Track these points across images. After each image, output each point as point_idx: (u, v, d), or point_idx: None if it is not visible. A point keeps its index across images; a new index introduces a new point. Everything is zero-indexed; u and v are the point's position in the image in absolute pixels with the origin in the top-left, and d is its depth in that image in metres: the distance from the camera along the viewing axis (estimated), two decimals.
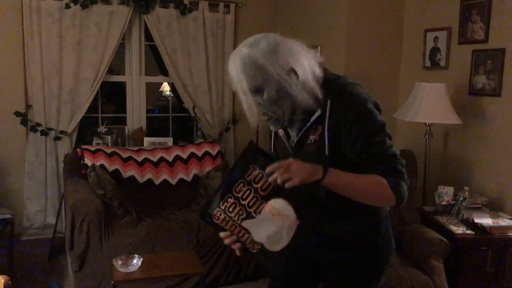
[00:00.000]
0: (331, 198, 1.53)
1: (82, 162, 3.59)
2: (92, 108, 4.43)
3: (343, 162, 1.54)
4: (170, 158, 3.90)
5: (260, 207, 1.47)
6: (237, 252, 1.58)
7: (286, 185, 1.42)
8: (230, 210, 1.50)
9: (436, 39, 3.70)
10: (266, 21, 5.00)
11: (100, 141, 4.22)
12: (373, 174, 1.51)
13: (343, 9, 3.94)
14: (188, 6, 4.50)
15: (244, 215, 1.49)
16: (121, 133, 4.52)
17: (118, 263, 2.60)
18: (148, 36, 4.55)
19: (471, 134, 3.42)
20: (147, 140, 4.38)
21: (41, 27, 4.08)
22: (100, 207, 3.15)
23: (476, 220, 2.89)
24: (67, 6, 4.11)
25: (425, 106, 3.22)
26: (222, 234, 1.59)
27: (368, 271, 1.72)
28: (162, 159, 3.87)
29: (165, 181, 3.81)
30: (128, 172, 3.68)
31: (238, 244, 1.57)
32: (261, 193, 1.47)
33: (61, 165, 4.16)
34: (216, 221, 1.54)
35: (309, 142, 1.60)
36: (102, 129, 4.29)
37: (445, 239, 2.71)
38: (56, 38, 4.12)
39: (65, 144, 4.27)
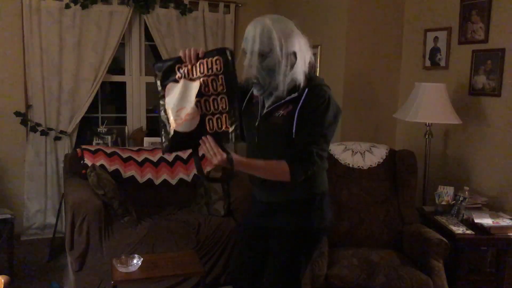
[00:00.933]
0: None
1: (82, 162, 3.59)
2: (92, 108, 4.43)
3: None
4: (170, 158, 3.90)
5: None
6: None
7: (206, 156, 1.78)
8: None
9: (436, 39, 3.70)
10: None
11: (100, 141, 4.22)
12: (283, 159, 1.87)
13: (343, 9, 3.94)
14: (188, 6, 4.51)
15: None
16: (121, 133, 4.53)
17: (118, 263, 2.60)
18: (148, 36, 4.55)
19: (471, 134, 3.42)
20: (147, 140, 4.38)
21: (41, 27, 4.08)
22: (100, 207, 3.15)
23: (476, 220, 2.89)
24: (67, 6, 4.11)
25: (425, 106, 3.22)
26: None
27: (302, 235, 2.04)
28: (162, 159, 3.87)
29: (165, 181, 3.81)
30: (128, 172, 3.68)
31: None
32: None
33: (61, 165, 4.16)
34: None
35: (277, 115, 1.92)
36: (102, 129, 4.29)
37: (445, 239, 2.71)
38: (56, 38, 4.12)
39: (65, 144, 4.27)
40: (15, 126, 4.17)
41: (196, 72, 1.77)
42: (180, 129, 1.79)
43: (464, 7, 3.42)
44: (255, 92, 1.96)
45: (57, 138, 4.26)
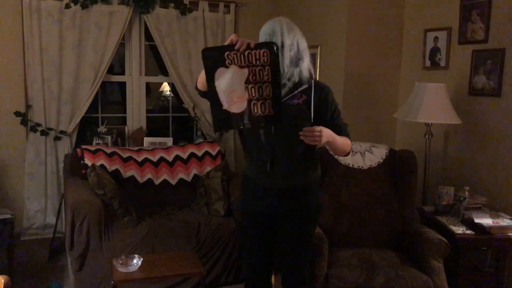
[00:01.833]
0: (287, 162, 2.19)
1: (82, 162, 3.59)
2: (92, 108, 4.43)
3: (315, 120, 2.19)
4: (170, 158, 3.90)
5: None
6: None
7: (313, 144, 2.02)
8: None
9: (436, 39, 3.70)
10: (266, 21, 4.98)
11: (100, 141, 4.22)
12: (343, 136, 2.25)
13: (343, 9, 3.94)
14: (188, 6, 4.50)
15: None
16: (121, 133, 4.52)
17: (118, 263, 2.60)
18: (148, 36, 4.55)
19: (471, 134, 3.42)
20: (147, 140, 4.38)
21: (41, 27, 4.08)
22: (100, 207, 3.15)
23: (476, 220, 2.89)
24: (67, 6, 4.11)
25: (425, 106, 3.22)
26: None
27: (312, 215, 2.32)
28: (162, 159, 3.87)
29: (165, 181, 3.81)
30: (128, 172, 3.68)
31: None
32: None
33: (61, 165, 4.16)
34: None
35: (293, 104, 2.16)
36: (102, 129, 4.29)
37: (445, 239, 2.71)
38: (56, 38, 4.12)
39: (65, 144, 4.27)
40: (15, 126, 4.17)
41: (245, 61, 1.94)
42: (232, 110, 1.97)
43: (464, 7, 3.42)
44: None
45: (57, 138, 4.26)
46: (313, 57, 4.33)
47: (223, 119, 1.98)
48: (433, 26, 3.74)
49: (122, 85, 4.67)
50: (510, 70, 3.12)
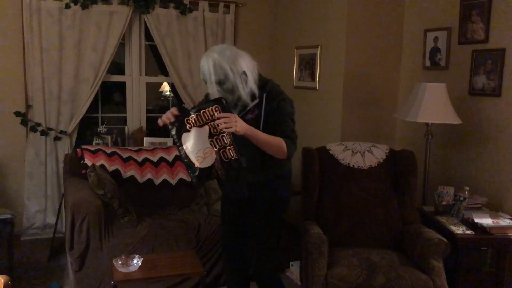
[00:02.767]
0: (258, 155, 2.36)
1: (82, 162, 3.59)
2: (92, 108, 4.43)
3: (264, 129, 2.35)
4: (170, 158, 3.90)
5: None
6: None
7: (225, 130, 2.15)
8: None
9: (436, 39, 3.70)
10: (266, 21, 5.00)
11: (100, 141, 4.22)
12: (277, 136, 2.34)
13: (343, 9, 3.94)
14: (188, 6, 4.51)
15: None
16: (121, 133, 4.53)
17: (118, 263, 2.60)
18: (148, 36, 4.55)
19: (471, 134, 3.42)
20: (147, 140, 4.38)
21: (41, 27, 4.08)
22: (100, 207, 3.15)
23: (476, 220, 2.89)
24: (67, 6, 4.11)
25: (425, 106, 3.22)
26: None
27: (281, 203, 2.58)
28: (162, 159, 3.87)
29: (165, 181, 3.81)
30: (128, 172, 3.68)
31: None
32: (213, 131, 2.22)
33: (61, 165, 4.16)
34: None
35: (247, 119, 2.34)
36: (102, 129, 4.29)
37: (445, 239, 2.71)
38: (56, 38, 4.12)
39: (65, 144, 4.27)
40: (15, 126, 4.17)
41: (203, 120, 2.21)
42: (203, 166, 2.23)
43: (464, 7, 3.42)
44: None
45: (57, 138, 4.26)
46: (313, 57, 4.35)
47: (200, 176, 2.23)
48: (433, 26, 3.74)
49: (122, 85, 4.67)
50: (510, 70, 3.12)
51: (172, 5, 4.46)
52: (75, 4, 4.13)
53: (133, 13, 4.34)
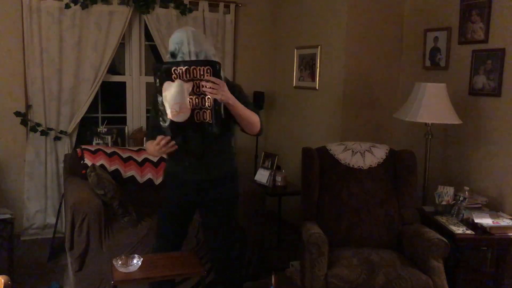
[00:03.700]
0: (210, 154, 2.45)
1: (82, 162, 3.59)
2: (92, 108, 4.43)
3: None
4: None
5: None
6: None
7: (209, 95, 2.16)
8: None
9: (436, 39, 3.70)
10: (266, 21, 5.00)
11: (100, 141, 4.22)
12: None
13: (343, 9, 3.94)
14: (188, 6, 4.51)
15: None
16: (121, 133, 4.53)
17: (118, 263, 2.59)
18: (148, 36, 4.55)
19: (471, 134, 3.42)
20: None
21: (41, 27, 4.08)
22: (100, 207, 3.15)
23: (476, 220, 2.89)
24: (67, 6, 4.11)
25: (425, 106, 3.22)
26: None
27: (233, 200, 2.64)
28: (162, 159, 3.87)
29: None
30: (128, 172, 3.68)
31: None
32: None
33: (61, 165, 4.16)
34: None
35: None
36: (102, 129, 4.29)
37: (445, 239, 2.71)
38: (56, 38, 4.12)
39: (65, 144, 4.27)
40: (15, 126, 4.17)
41: (190, 75, 2.17)
42: (176, 119, 2.22)
43: (464, 7, 3.42)
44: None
45: (57, 138, 4.26)
46: (313, 57, 4.35)
47: (171, 127, 2.24)
48: (433, 26, 3.74)
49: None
50: (510, 70, 3.12)
51: (172, 5, 4.46)
52: (75, 4, 4.12)
53: (133, 13, 4.34)
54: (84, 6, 4.14)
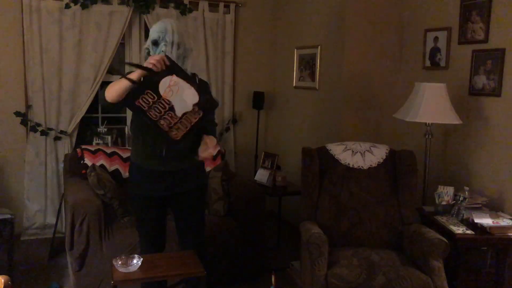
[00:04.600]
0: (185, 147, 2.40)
1: (82, 162, 3.59)
2: (92, 108, 4.43)
3: None
4: None
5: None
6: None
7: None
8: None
9: (436, 39, 3.70)
10: (266, 21, 5.00)
11: (100, 141, 4.22)
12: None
13: (343, 9, 3.94)
14: (188, 6, 4.51)
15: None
16: (121, 133, 4.52)
17: (118, 263, 2.59)
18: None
19: (471, 134, 3.42)
20: None
21: (41, 27, 4.08)
22: (100, 207, 3.15)
23: (476, 220, 2.89)
24: (67, 6, 4.11)
25: (425, 106, 3.22)
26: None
27: (203, 192, 2.71)
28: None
29: None
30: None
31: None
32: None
33: (61, 165, 4.16)
34: None
35: None
36: (102, 129, 4.29)
37: (445, 239, 2.71)
38: (56, 38, 4.12)
39: (65, 144, 4.27)
40: (15, 126, 4.17)
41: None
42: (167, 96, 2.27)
43: (464, 7, 3.42)
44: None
45: (57, 138, 4.26)
46: (313, 57, 4.35)
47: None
48: (433, 26, 3.74)
49: None
50: (510, 70, 3.12)
51: (172, 5, 4.46)
52: (75, 4, 4.12)
53: (133, 13, 4.34)
54: (84, 6, 4.14)
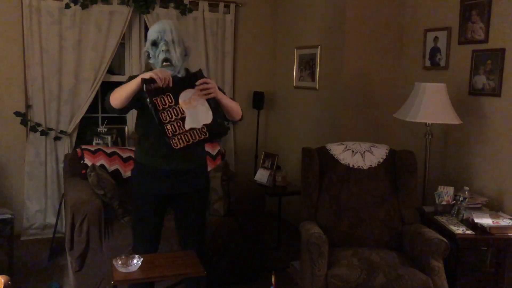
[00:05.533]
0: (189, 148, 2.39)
1: (82, 162, 3.59)
2: (92, 108, 4.43)
3: None
4: None
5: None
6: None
7: (206, 97, 2.31)
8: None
9: (436, 39, 3.70)
10: (266, 21, 5.00)
11: (100, 141, 4.22)
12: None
13: (343, 9, 3.94)
14: (188, 6, 4.51)
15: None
16: (121, 133, 4.52)
17: (118, 263, 2.59)
18: None
19: (471, 134, 3.42)
20: None
21: (41, 27, 4.08)
22: (100, 207, 3.15)
23: (476, 220, 2.89)
24: (67, 6, 4.11)
25: (425, 106, 3.22)
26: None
27: (207, 193, 2.72)
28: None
29: None
30: (128, 172, 3.68)
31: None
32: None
33: (61, 165, 4.16)
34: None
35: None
36: (102, 129, 4.29)
37: (445, 239, 2.71)
38: (56, 38, 4.13)
39: (65, 144, 4.27)
40: (15, 126, 4.17)
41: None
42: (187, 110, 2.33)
43: (464, 7, 3.42)
44: (169, 70, 2.38)
45: (57, 138, 4.26)
46: (313, 57, 4.35)
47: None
48: (433, 26, 3.74)
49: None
50: (510, 70, 3.12)
51: (172, 5, 4.46)
52: (75, 4, 4.13)
53: (133, 13, 4.34)
54: (84, 6, 4.14)
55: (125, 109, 2.37)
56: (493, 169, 3.25)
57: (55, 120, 4.23)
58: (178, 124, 2.29)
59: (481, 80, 3.31)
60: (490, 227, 2.81)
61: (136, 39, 4.53)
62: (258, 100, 4.74)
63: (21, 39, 4.10)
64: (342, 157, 3.22)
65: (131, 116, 4.65)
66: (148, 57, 2.45)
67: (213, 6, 4.66)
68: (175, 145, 2.29)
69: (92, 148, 3.72)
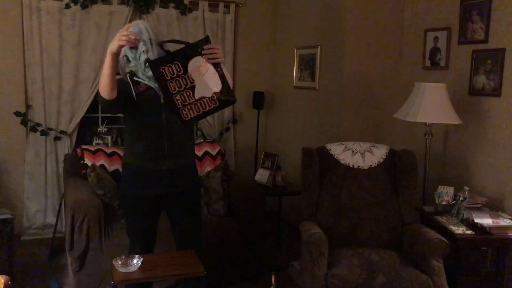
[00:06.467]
0: (179, 144, 2.44)
1: (82, 162, 3.59)
2: (92, 108, 4.43)
3: None
4: None
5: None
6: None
7: (214, 61, 2.23)
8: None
9: (436, 39, 3.70)
10: (266, 21, 5.00)
11: (100, 141, 4.22)
12: None
13: (343, 9, 3.94)
14: (188, 6, 4.51)
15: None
16: (121, 133, 4.52)
17: (118, 263, 2.59)
18: None
19: (471, 134, 3.42)
20: None
21: (41, 27, 4.08)
22: (100, 207, 3.15)
23: (476, 220, 2.89)
24: (67, 6, 4.11)
25: (425, 106, 3.22)
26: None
27: (199, 192, 2.68)
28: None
29: None
30: None
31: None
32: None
33: (61, 165, 4.17)
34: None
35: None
36: (102, 129, 4.29)
37: (445, 239, 2.71)
38: (56, 38, 4.13)
39: (65, 144, 4.27)
40: (15, 126, 4.17)
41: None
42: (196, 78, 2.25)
43: (464, 7, 3.42)
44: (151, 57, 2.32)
45: (57, 138, 4.26)
46: (313, 57, 4.35)
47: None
48: (433, 26, 3.74)
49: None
50: (510, 70, 3.12)
51: (172, 5, 4.46)
52: (75, 4, 4.13)
53: (133, 13, 4.34)
54: (84, 6, 4.15)
55: (115, 103, 2.26)
56: (493, 169, 3.25)
57: (55, 120, 4.23)
58: (188, 93, 2.21)
59: (481, 80, 3.31)
60: (490, 227, 2.81)
61: None
62: (258, 100, 4.74)
63: (21, 39, 4.10)
64: (342, 157, 3.22)
65: None
66: (128, 60, 2.33)
67: (213, 6, 4.66)
68: (185, 116, 2.22)
69: (92, 148, 3.72)
